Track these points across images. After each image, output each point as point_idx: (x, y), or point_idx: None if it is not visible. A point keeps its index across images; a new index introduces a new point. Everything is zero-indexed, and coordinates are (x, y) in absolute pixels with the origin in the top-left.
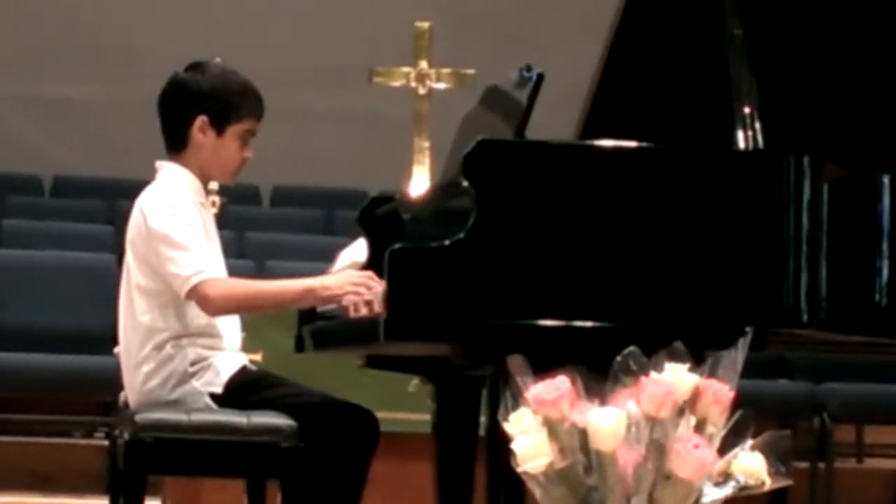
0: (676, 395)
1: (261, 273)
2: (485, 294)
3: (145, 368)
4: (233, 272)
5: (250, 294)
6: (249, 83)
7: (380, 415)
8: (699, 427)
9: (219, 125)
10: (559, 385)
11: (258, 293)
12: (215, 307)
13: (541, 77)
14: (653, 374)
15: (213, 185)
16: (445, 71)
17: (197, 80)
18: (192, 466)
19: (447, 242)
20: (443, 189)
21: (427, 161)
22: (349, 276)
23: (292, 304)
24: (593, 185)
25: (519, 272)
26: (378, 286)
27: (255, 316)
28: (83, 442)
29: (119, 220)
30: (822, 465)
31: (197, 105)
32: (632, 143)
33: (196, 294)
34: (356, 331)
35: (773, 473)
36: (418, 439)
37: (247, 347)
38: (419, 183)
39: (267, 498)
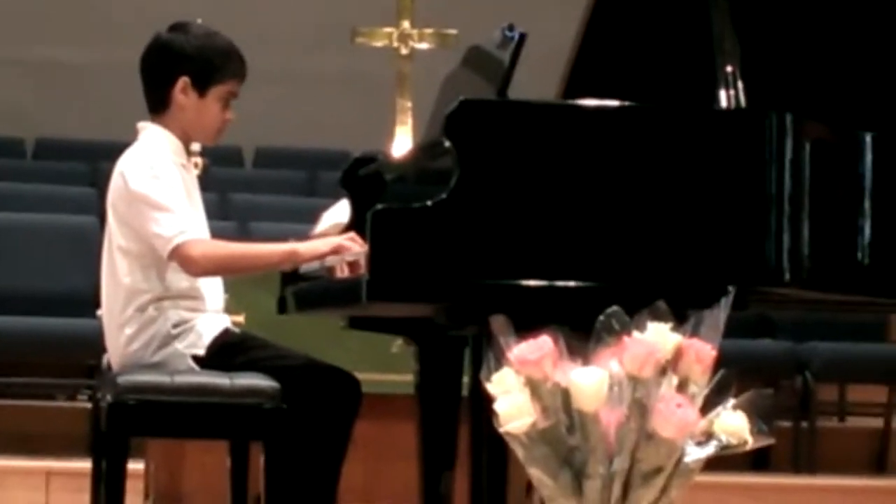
0: (659, 354)
1: (244, 234)
2: (467, 254)
3: (128, 331)
4: (215, 234)
5: (233, 255)
6: (232, 44)
7: (362, 376)
8: (681, 386)
9: (201, 86)
10: (542, 345)
11: (240, 254)
12: (198, 268)
13: (523, 37)
14: (635, 333)
15: (196, 147)
16: (428, 31)
17: (180, 40)
18: (175, 428)
19: (430, 203)
20: (425, 149)
21: (409, 121)
22: (332, 239)
23: (275, 266)
24: (576, 145)
25: (501, 232)
26: (361, 247)
27: (237, 278)
28: (66, 404)
29: (102, 183)
30: (804, 424)
31: (179, 66)
32: (614, 103)
33: (178, 255)
34: (339, 292)
35: (756, 432)
36: (401, 400)
37: (229, 309)
38: (402, 143)
39: (250, 459)
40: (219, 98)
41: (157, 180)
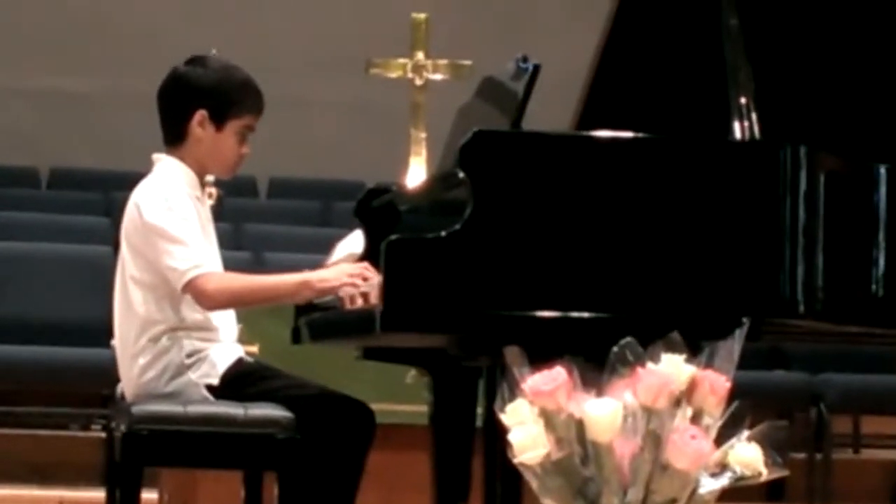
0: (673, 385)
1: (258, 265)
2: (482, 285)
3: (141, 360)
4: (229, 264)
5: (246, 288)
6: (250, 79)
7: (376, 406)
8: (696, 418)
9: (218, 120)
10: (556, 376)
11: (254, 287)
12: (212, 301)
13: (537, 68)
14: (649, 364)
15: (210, 178)
16: (442, 62)
17: (198, 73)
18: (188, 458)
19: (444, 233)
20: (439, 180)
21: (424, 152)
22: (345, 269)
23: (289, 298)
24: (590, 176)
25: (515, 263)
26: (374, 277)
27: (251, 308)
28: (80, 434)
29: (116, 213)
30: (819, 455)
31: (197, 99)
32: (628, 134)
33: (192, 289)
34: (353, 322)
35: (770, 464)
36: (415, 431)
37: (243, 339)
38: (416, 174)
39: (264, 490)
40: (235, 132)
41: (171, 213)
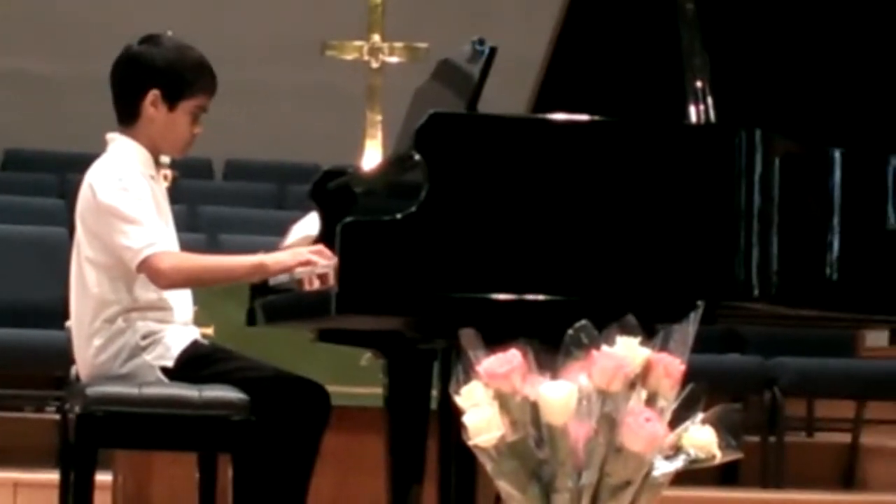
0: (628, 368)
1: (213, 247)
2: (437, 267)
3: (96, 342)
4: (185, 246)
5: (201, 268)
6: (204, 59)
7: (332, 388)
8: (650, 400)
9: (171, 100)
10: (511, 358)
11: (209, 267)
12: (166, 280)
13: (493, 51)
14: (604, 347)
15: (165, 159)
16: (398, 45)
17: (151, 53)
18: (143, 440)
19: (399, 216)
20: (395, 162)
21: (379, 135)
22: (301, 251)
23: (244, 278)
24: (545, 159)
25: (471, 245)
26: (333, 259)
27: (207, 289)
28: (34, 416)
29: (70, 194)
30: (772, 438)
31: (150, 78)
32: (584, 117)
33: (146, 267)
34: (308, 304)
35: (724, 447)
36: (370, 413)
37: (199, 321)
38: (372, 157)
39: (219, 472)
40: (188, 112)
41: (125, 192)
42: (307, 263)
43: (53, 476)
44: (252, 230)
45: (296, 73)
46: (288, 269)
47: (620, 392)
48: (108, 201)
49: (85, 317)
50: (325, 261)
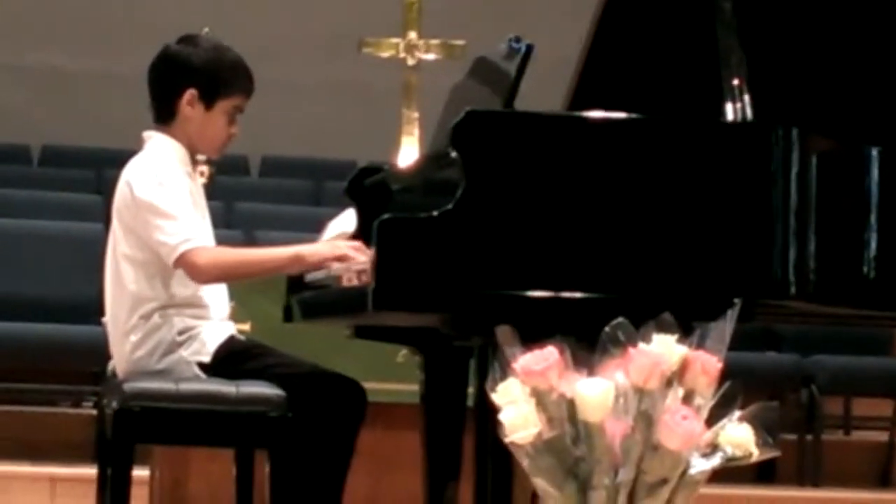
0: (664, 366)
1: (249, 243)
2: (473, 264)
3: (133, 338)
4: (221, 242)
5: (238, 261)
6: (241, 59)
7: (368, 385)
8: (687, 398)
9: (208, 100)
10: (547, 356)
11: (246, 260)
12: (204, 275)
13: (530, 48)
14: (641, 345)
15: (201, 156)
16: (434, 42)
17: (188, 53)
18: (180, 436)
19: (436, 213)
20: (431, 160)
21: (416, 132)
22: (338, 243)
23: (281, 270)
24: (582, 157)
25: (507, 243)
26: (366, 256)
27: (243, 286)
28: (71, 411)
29: (107, 190)
30: (809, 437)
31: (187, 78)
32: (621, 115)
33: (184, 262)
34: (345, 301)
35: (761, 445)
36: (406, 410)
37: (235, 317)
38: (408, 153)
39: (255, 468)
40: (225, 112)
41: (162, 188)
42: (344, 257)
43: (90, 471)
44: (288, 227)
45: (332, 69)
46: (325, 261)
47: (657, 390)
48: (146, 197)
49: (121, 313)
50: (362, 257)
